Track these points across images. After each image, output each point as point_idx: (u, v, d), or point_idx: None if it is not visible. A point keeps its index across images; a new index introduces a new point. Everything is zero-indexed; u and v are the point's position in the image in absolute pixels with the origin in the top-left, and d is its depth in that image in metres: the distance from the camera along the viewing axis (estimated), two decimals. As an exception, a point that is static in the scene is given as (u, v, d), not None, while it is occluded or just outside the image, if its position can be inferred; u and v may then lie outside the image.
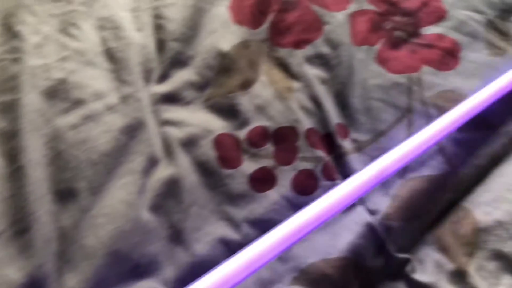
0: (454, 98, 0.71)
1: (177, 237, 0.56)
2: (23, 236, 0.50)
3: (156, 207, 0.57)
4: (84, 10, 0.65)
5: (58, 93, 0.58)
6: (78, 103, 0.58)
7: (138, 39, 0.66)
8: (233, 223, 0.59)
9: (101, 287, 0.51)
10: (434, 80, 0.73)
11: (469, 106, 0.65)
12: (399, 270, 0.60)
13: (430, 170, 0.67)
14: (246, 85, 0.67)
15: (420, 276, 0.59)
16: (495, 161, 0.70)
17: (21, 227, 0.50)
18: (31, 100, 0.56)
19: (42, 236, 0.50)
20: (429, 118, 0.69)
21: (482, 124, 0.71)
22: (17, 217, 0.50)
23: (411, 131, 0.69)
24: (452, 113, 0.64)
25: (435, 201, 0.65)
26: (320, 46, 0.73)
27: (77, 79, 0.60)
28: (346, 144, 0.67)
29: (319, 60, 0.73)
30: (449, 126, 0.62)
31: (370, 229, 0.61)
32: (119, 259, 0.52)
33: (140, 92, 0.62)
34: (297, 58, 0.71)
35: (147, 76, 0.65)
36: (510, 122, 0.73)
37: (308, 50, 0.72)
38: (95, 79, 0.61)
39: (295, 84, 0.69)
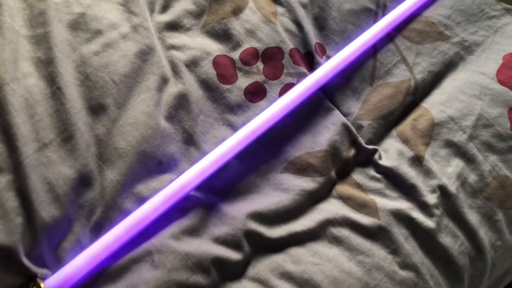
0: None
1: (189, 139, 0.69)
2: (69, 142, 0.62)
3: (171, 116, 0.69)
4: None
5: (80, 25, 0.68)
6: (97, 33, 0.68)
7: (141, -25, 0.74)
8: (233, 127, 0.71)
9: (134, 179, 0.64)
10: (394, 6, 0.84)
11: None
12: (368, 159, 0.74)
13: (394, 77, 0.80)
14: (237, 11, 0.77)
15: (385, 161, 0.73)
16: (449, 68, 0.83)
17: (66, 136, 0.62)
18: (59, 32, 0.66)
19: (84, 141, 0.62)
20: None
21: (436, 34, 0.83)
22: (62, 128, 0.62)
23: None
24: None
25: (398, 103, 0.78)
26: (299, -27, 0.83)
27: (94, 12, 0.69)
28: (323, 61, 0.78)
29: (300, -14, 0.83)
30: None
31: (345, 128, 0.74)
32: (145, 158, 0.65)
33: (147, 21, 0.72)
34: (280, -15, 0.81)
35: (151, 8, 0.75)
36: (462, 32, 0.85)
37: (289, -22, 0.82)
38: (109, 12, 0.70)
39: (279, 9, 0.80)
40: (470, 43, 0.85)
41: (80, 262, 0.57)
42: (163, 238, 0.61)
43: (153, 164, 0.65)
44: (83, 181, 0.61)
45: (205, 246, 0.62)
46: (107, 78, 0.66)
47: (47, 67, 0.64)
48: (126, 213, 0.61)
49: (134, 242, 0.61)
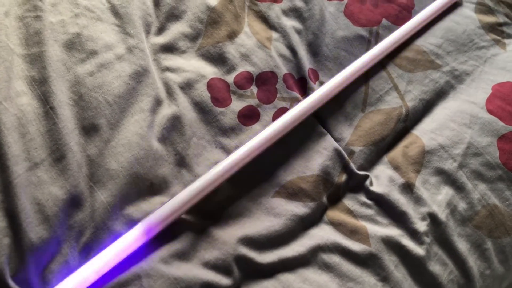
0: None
1: (182, 162, 0.69)
2: (61, 162, 0.61)
3: (163, 138, 0.68)
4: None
5: (75, 45, 0.68)
6: (93, 53, 0.68)
7: (138, -4, 0.75)
8: (226, 150, 0.71)
9: (125, 201, 0.63)
10: (386, 34, 0.86)
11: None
12: (360, 185, 0.74)
13: (386, 104, 0.81)
14: (232, 35, 0.78)
15: (376, 188, 0.73)
16: (440, 96, 0.84)
17: (58, 156, 0.61)
18: (54, 52, 0.66)
19: (75, 162, 0.62)
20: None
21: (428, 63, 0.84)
22: (54, 148, 0.61)
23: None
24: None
25: (389, 130, 0.79)
26: (295, 0, 0.84)
27: (90, 33, 0.69)
28: (316, 87, 0.79)
29: (294, 12, 0.84)
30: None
31: (337, 153, 0.75)
32: (137, 179, 0.64)
33: (142, 43, 0.73)
34: (275, 11, 0.82)
35: (147, 29, 0.75)
36: (453, 62, 0.86)
37: (284, 4, 0.84)
38: (105, 33, 0.70)
39: (274, 34, 0.81)
40: (460, 72, 0.86)
41: (67, 286, 0.56)
42: (153, 261, 0.60)
43: (144, 186, 0.65)
44: (73, 202, 0.61)
45: (194, 271, 0.61)
46: (101, 98, 0.66)
47: (41, 86, 0.64)
48: (116, 235, 0.61)
49: (123, 265, 0.60)
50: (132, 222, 0.62)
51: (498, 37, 0.92)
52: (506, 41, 0.93)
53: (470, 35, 0.91)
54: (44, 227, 0.58)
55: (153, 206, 0.64)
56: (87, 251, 0.60)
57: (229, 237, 0.65)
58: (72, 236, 0.60)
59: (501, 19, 0.95)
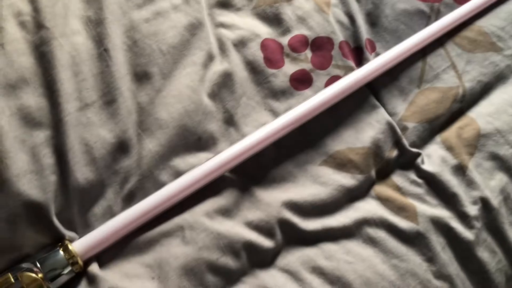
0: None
1: (230, 120, 0.67)
2: (111, 105, 0.60)
3: (214, 94, 0.67)
4: None
5: (133, -10, 0.66)
6: (149, 0, 0.67)
7: None
8: (275, 113, 0.69)
9: (172, 152, 0.62)
10: (447, 12, 0.82)
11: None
12: (411, 162, 0.71)
13: (442, 82, 0.77)
14: (290, -3, 0.75)
15: (427, 166, 0.70)
16: (499, 80, 0.80)
17: (109, 99, 0.60)
18: (111, -6, 0.64)
19: (125, 107, 0.60)
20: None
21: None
22: (105, 90, 0.60)
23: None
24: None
25: (445, 109, 0.75)
26: (356, -34, 0.81)
27: (147, -20, 0.68)
28: (372, 57, 0.76)
29: (355, -20, 0.81)
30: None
31: (389, 127, 0.71)
32: (185, 132, 0.63)
33: (199, -5, 0.71)
34: (336, -24, 0.79)
35: (204, -17, 0.73)
36: (516, 46, 0.82)
37: (345, -30, 0.80)
38: (162, -19, 0.69)
39: (333, 0, 0.78)
40: (523, 57, 0.82)
41: (108, 229, 0.55)
42: (196, 214, 0.59)
43: (192, 139, 0.63)
44: (121, 147, 0.59)
45: (237, 229, 0.59)
46: (155, 46, 0.64)
47: (96, 27, 0.62)
48: (161, 185, 0.59)
49: (166, 215, 0.58)
50: (178, 174, 0.61)
51: None
52: None
53: (536, 21, 0.86)
54: (90, 169, 0.57)
55: (199, 161, 0.63)
56: (131, 198, 0.59)
57: (273, 199, 0.63)
58: (117, 181, 0.58)
59: None
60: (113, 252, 0.56)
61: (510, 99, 0.78)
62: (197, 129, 0.63)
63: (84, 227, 0.56)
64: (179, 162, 0.62)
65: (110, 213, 0.57)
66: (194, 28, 0.68)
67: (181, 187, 0.59)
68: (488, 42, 0.82)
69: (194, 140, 0.63)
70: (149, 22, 0.65)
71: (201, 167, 0.61)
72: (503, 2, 0.88)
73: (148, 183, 0.60)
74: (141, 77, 0.63)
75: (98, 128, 0.59)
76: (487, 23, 0.84)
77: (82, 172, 0.56)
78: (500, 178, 0.71)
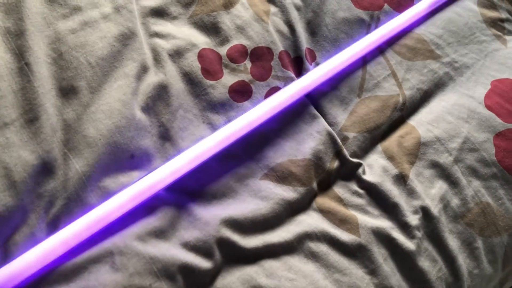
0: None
1: (166, 134, 0.64)
2: (33, 124, 0.56)
3: (148, 108, 0.63)
4: None
5: (57, -1, 0.62)
6: (76, 9, 0.63)
7: (129, -46, 0.70)
8: (213, 126, 0.67)
9: (102, 172, 0.58)
10: (387, 20, 0.82)
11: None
12: (352, 172, 0.71)
13: (383, 91, 0.77)
14: (228, 5, 0.73)
15: (368, 177, 0.70)
16: (438, 87, 0.81)
17: (31, 117, 0.56)
18: (34, 3, 0.60)
19: (50, 125, 0.56)
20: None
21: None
22: (27, 108, 0.56)
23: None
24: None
25: (385, 118, 0.75)
26: (295, -26, 0.80)
27: (74, -13, 0.64)
28: (312, 68, 0.75)
29: (295, -12, 0.79)
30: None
31: (330, 138, 0.71)
32: (116, 149, 0.59)
33: (131, 4, 0.67)
34: (275, -16, 0.78)
35: (137, -10, 0.70)
36: (453, 53, 0.83)
37: (284, -23, 0.79)
38: (91, -11, 0.65)
39: (272, 8, 0.76)
40: (460, 64, 0.83)
41: (30, 258, 0.52)
42: (127, 238, 0.56)
43: (124, 157, 0.60)
44: (45, 169, 0.55)
45: (173, 251, 0.57)
46: (82, 59, 0.61)
47: (16, 39, 0.58)
48: (89, 208, 0.56)
49: (95, 240, 0.55)
50: (108, 195, 0.58)
51: (499, 33, 0.90)
52: (507, 37, 0.90)
53: (472, 28, 0.88)
54: (9, 194, 0.52)
55: (132, 180, 0.59)
56: (57, 223, 0.55)
57: (212, 217, 0.60)
58: (41, 206, 0.54)
59: (503, 15, 0.92)
60: (37, 281, 0.52)
61: (449, 106, 0.79)
62: (129, 146, 0.60)
63: (3, 258, 0.52)
64: (110, 182, 0.58)
65: (34, 241, 0.53)
66: (126, 38, 0.65)
67: (111, 209, 0.55)
68: (427, 50, 0.83)
69: (126, 158, 0.60)
70: (76, 33, 0.61)
71: (133, 186, 0.58)
72: (441, 10, 0.89)
73: (75, 206, 0.56)
74: (67, 92, 0.59)
75: (18, 149, 0.54)
76: (425, 30, 0.85)
77: (0, 199, 0.51)
78: (440, 186, 0.71)
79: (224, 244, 0.59)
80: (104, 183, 0.58)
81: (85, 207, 0.56)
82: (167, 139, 0.64)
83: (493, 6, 0.93)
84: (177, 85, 0.66)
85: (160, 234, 0.58)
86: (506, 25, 0.92)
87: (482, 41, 0.88)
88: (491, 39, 0.89)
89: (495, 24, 0.91)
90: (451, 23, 0.87)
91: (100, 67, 0.61)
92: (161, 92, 0.65)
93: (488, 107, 0.79)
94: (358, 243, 0.64)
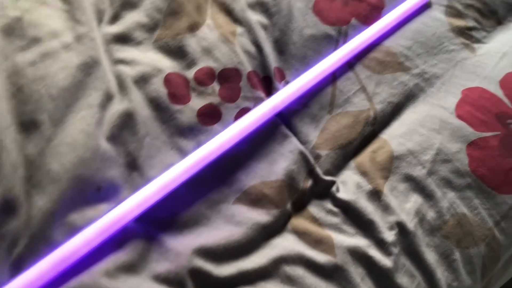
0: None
1: (133, 164, 0.62)
2: (-8, 162, 0.54)
3: (113, 137, 0.62)
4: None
5: (15, 31, 0.61)
6: (35, 41, 0.61)
7: (90, -19, 0.69)
8: (182, 152, 0.66)
9: (68, 208, 0.57)
10: (355, 34, 0.82)
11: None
12: (326, 191, 0.70)
13: (353, 106, 0.77)
14: (193, 27, 0.72)
15: (342, 194, 0.69)
16: (409, 99, 0.81)
17: (-11, 154, 0.54)
18: (-11, 37, 0.59)
19: (10, 162, 0.55)
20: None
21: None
22: (-15, 145, 0.54)
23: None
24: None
25: (357, 133, 0.75)
26: (261, -7, 0.79)
27: (32, 18, 0.62)
28: (281, 86, 0.74)
29: (260, 7, 0.79)
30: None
31: (302, 157, 0.70)
32: (82, 183, 0.58)
33: (93, 32, 0.66)
34: (240, 4, 0.77)
35: (99, 17, 0.69)
36: (423, 64, 0.83)
37: (250, -3, 0.78)
38: (50, 19, 0.64)
39: (239, 29, 0.76)
40: (430, 75, 0.84)
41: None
42: (96, 275, 0.54)
43: (90, 190, 0.59)
44: (6, 208, 0.54)
45: (144, 285, 0.55)
46: (43, 91, 0.59)
47: (-28, 75, 0.56)
48: (55, 246, 0.54)
49: (61, 279, 0.53)
50: (75, 231, 0.56)
51: (468, 41, 0.90)
52: (476, 45, 0.91)
53: (440, 37, 0.88)
54: (-32, 236, 0.51)
55: (99, 213, 0.58)
56: (21, 264, 0.53)
57: (183, 247, 0.59)
58: (3, 246, 0.53)
59: (471, 23, 0.93)
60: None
61: (420, 118, 0.79)
62: (95, 178, 0.59)
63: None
64: (76, 217, 0.57)
65: (-4, 284, 0.51)
66: (89, 67, 0.63)
67: (77, 246, 0.54)
68: (396, 62, 0.83)
69: (93, 191, 0.59)
70: (35, 65, 0.60)
71: (100, 220, 0.56)
72: (409, 21, 0.89)
73: (40, 244, 0.54)
74: (28, 126, 0.58)
75: (-23, 189, 0.52)
76: (394, 43, 0.85)
77: (-43, 243, 0.50)
78: (414, 200, 0.71)
79: (197, 274, 0.58)
80: (70, 219, 0.57)
81: (51, 245, 0.54)
82: (135, 169, 0.62)
83: (460, 15, 0.93)
84: (143, 112, 0.65)
85: (130, 268, 0.56)
86: (474, 33, 0.92)
87: (451, 50, 0.88)
88: (459, 48, 0.89)
89: (463, 32, 0.91)
90: (420, 34, 0.87)
91: (62, 98, 0.60)
92: (127, 120, 0.64)
93: (460, 117, 0.79)
94: (334, 264, 0.63)
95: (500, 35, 0.93)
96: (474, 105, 0.80)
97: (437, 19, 0.91)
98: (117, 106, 0.64)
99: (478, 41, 0.91)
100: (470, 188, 0.73)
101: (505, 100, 0.81)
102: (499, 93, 0.82)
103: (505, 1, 0.96)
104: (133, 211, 0.58)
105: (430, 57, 0.85)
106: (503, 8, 0.96)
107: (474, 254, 0.71)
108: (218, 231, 0.62)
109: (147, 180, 0.62)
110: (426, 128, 0.76)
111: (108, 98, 0.63)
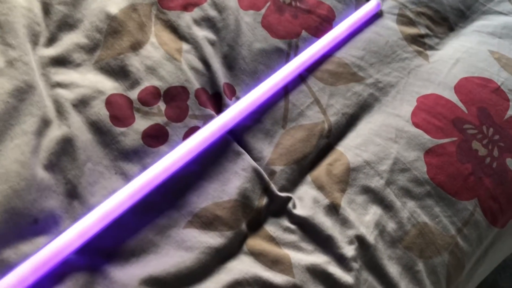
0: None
1: (73, 192, 0.59)
2: None
3: (51, 165, 0.58)
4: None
5: None
6: (-39, 67, 0.58)
7: (22, 3, 0.65)
8: (127, 176, 0.62)
9: (1, 244, 0.52)
10: (306, 46, 0.80)
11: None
12: (282, 208, 0.67)
13: (307, 119, 0.75)
14: (136, 46, 0.70)
15: (299, 211, 0.67)
16: (364, 109, 0.80)
17: None
18: None
19: None
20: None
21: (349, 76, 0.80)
22: None
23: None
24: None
25: (312, 147, 0.73)
26: (207, 9, 0.77)
27: (-42, 44, 0.59)
28: (232, 103, 0.72)
29: (207, 22, 0.77)
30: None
31: (256, 174, 0.67)
32: (16, 216, 0.54)
33: (27, 55, 0.63)
34: (185, 20, 0.75)
35: (34, 40, 0.65)
36: (376, 74, 0.82)
37: (195, 13, 0.76)
38: (-22, 44, 0.60)
39: (185, 46, 0.73)
40: (384, 84, 0.83)
41: None
42: (32, 316, 0.50)
43: (26, 223, 0.55)
44: None
45: (86, 323, 0.51)
46: (-28, 120, 0.55)
47: None
48: (-16, 287, 0.50)
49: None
50: (8, 268, 0.52)
51: (421, 49, 0.90)
52: (429, 52, 0.91)
53: (393, 46, 0.88)
54: None
55: (36, 247, 0.54)
56: None
57: (130, 278, 0.55)
58: None
59: (423, 30, 0.93)
60: None
61: (376, 128, 0.77)
62: (31, 209, 0.55)
63: None
64: (10, 253, 0.52)
65: None
66: (22, 92, 0.60)
67: (11, 284, 0.49)
68: (349, 73, 0.82)
69: (29, 224, 0.55)
70: (-38, 93, 0.56)
71: (36, 255, 0.52)
72: (360, 31, 0.89)
73: (-32, 286, 0.50)
74: (-45, 159, 0.53)
75: None
76: (346, 53, 0.84)
77: None
78: (374, 212, 0.69)
79: (145, 306, 0.54)
80: (4, 255, 0.52)
81: (-20, 287, 0.50)
82: (75, 197, 0.59)
83: (411, 23, 0.93)
84: (84, 137, 0.62)
85: (70, 305, 0.52)
86: (427, 40, 0.92)
87: (404, 58, 0.88)
88: (412, 55, 0.89)
89: (416, 40, 0.91)
90: (372, 43, 0.87)
91: (-7, 127, 0.56)
92: (66, 146, 0.60)
93: (416, 125, 0.78)
94: (293, 284, 0.60)
95: (452, 41, 0.93)
96: (430, 112, 0.80)
97: (389, 28, 0.90)
98: (55, 132, 0.60)
99: (431, 48, 0.91)
100: (430, 196, 0.72)
101: (460, 105, 0.80)
102: (454, 98, 0.81)
103: (455, 7, 0.97)
104: (74, 242, 0.54)
105: (383, 66, 0.85)
106: (454, 14, 0.97)
107: (438, 263, 0.69)
108: (168, 258, 0.58)
109: (89, 209, 0.58)
110: (382, 137, 0.75)
111: (45, 124, 0.60)
